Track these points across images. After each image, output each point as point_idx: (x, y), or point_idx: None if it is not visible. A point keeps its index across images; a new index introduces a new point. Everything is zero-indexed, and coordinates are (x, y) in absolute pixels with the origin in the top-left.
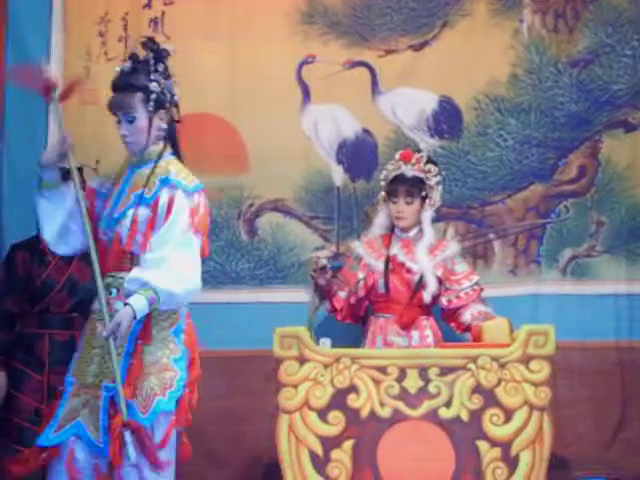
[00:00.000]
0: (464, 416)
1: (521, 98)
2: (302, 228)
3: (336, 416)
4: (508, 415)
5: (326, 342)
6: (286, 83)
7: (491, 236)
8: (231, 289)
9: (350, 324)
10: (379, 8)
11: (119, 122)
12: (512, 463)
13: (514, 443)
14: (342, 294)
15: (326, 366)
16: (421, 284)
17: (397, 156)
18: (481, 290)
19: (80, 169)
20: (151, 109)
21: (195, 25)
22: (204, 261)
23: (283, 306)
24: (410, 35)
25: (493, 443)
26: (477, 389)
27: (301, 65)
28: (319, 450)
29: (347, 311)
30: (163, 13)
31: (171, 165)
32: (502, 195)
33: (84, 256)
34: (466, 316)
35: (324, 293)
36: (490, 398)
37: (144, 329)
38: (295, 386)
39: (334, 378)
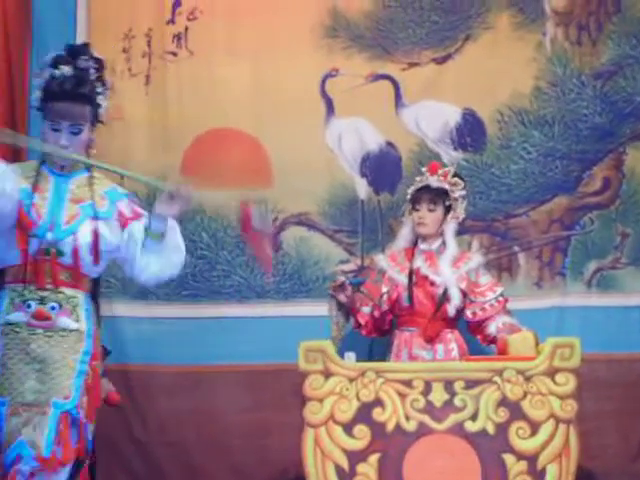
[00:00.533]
0: (490, 429)
1: (544, 110)
2: (326, 242)
3: (361, 430)
4: (534, 428)
5: (351, 356)
6: (310, 97)
7: (516, 249)
8: (256, 303)
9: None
10: (402, 21)
11: (55, 130)
12: (539, 476)
13: (540, 456)
14: (366, 309)
15: (351, 380)
16: (445, 297)
17: (424, 169)
18: (506, 301)
19: None
20: (93, 123)
21: (218, 40)
22: (228, 275)
23: (308, 320)
24: (433, 48)
25: (519, 456)
26: (503, 402)
27: (324, 79)
28: (345, 464)
29: (372, 326)
30: (187, 28)
31: (102, 178)
32: (526, 208)
33: None
34: (492, 328)
35: (347, 310)
36: (516, 411)
37: (96, 348)
38: (320, 400)
39: (359, 392)
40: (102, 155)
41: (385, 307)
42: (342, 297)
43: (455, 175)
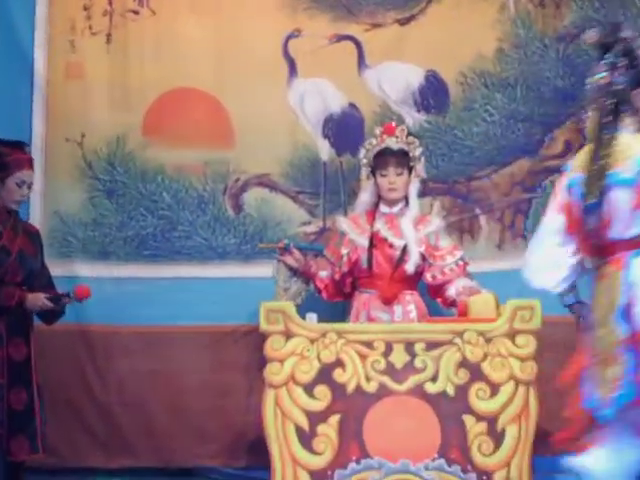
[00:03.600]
0: (450, 391)
1: (507, 73)
2: (288, 203)
3: (322, 391)
4: (494, 389)
5: (312, 317)
6: (272, 57)
7: (477, 211)
8: (217, 264)
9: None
10: None
11: None
12: (498, 437)
13: (500, 417)
14: (323, 273)
15: (312, 341)
16: (403, 257)
17: (379, 131)
18: (466, 265)
19: None
20: None
21: None
22: (189, 236)
23: (269, 281)
24: (397, 9)
25: (479, 417)
26: (463, 364)
27: (287, 39)
28: (305, 425)
29: (332, 289)
30: None
31: None
32: (488, 170)
33: (27, 229)
34: (451, 291)
35: (297, 273)
36: (476, 373)
37: None
38: (281, 361)
39: (320, 353)
40: (61, 113)
41: (345, 269)
42: (290, 260)
43: (409, 134)
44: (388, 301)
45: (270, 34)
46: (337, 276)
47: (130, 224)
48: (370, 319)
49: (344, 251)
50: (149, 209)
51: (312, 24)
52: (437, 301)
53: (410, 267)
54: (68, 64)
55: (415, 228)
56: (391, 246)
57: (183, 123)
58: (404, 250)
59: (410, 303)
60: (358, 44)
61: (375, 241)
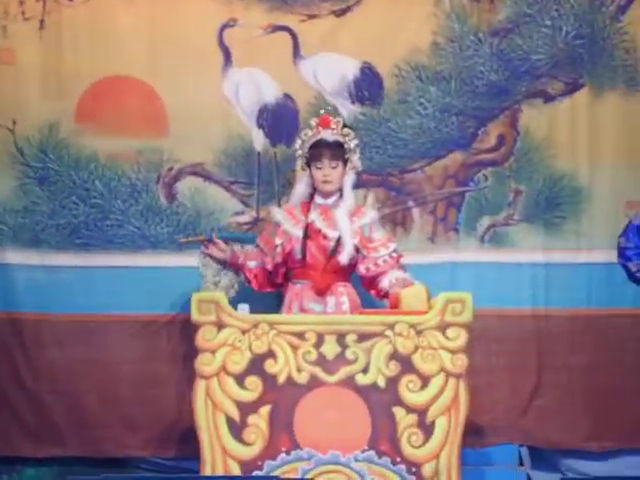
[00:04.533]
0: (381, 382)
1: (442, 66)
2: (222, 193)
3: (253, 381)
4: (424, 382)
5: (244, 308)
6: (207, 47)
7: (410, 203)
8: (150, 253)
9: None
10: None
11: None
12: (428, 429)
13: (430, 409)
14: (252, 263)
15: (244, 332)
16: (337, 249)
17: (314, 122)
18: (399, 257)
19: None
20: None
21: None
22: (122, 225)
23: None
24: (332, 0)
25: (409, 409)
26: (394, 356)
27: (222, 28)
28: (236, 415)
29: (262, 279)
30: None
31: None
32: (422, 163)
33: None
34: (384, 283)
35: (226, 265)
36: (407, 365)
37: None
38: (213, 351)
39: (252, 344)
40: None
41: (278, 259)
42: (215, 252)
43: (344, 125)
44: (321, 292)
45: (205, 23)
46: (269, 266)
47: (62, 212)
48: (303, 310)
49: (278, 241)
50: (81, 197)
51: (247, 14)
52: (371, 293)
53: (344, 258)
54: (0, 50)
55: (350, 220)
56: (325, 237)
57: (117, 111)
58: (338, 241)
59: (343, 294)
60: (293, 34)
61: (309, 232)
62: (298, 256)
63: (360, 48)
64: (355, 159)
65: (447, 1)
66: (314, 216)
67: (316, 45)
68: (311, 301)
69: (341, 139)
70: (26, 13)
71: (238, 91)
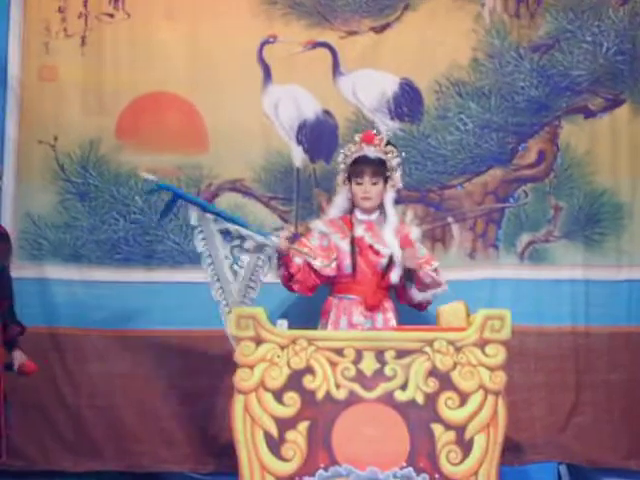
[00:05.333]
0: (419, 399)
1: (482, 82)
2: (261, 208)
3: (291, 397)
4: (463, 399)
5: (283, 324)
6: (247, 63)
7: (450, 220)
8: (189, 269)
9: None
10: None
11: None
12: (466, 446)
13: (468, 426)
14: (298, 260)
15: (282, 347)
16: (389, 266)
17: (358, 138)
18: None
19: None
20: None
21: (156, 3)
22: (161, 240)
23: None
24: (372, 17)
25: (448, 426)
26: (433, 372)
27: (262, 45)
28: (274, 431)
29: (303, 277)
30: None
31: None
32: (461, 179)
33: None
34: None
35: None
36: (445, 381)
37: None
38: (251, 367)
39: (290, 359)
40: (35, 115)
41: (331, 272)
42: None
43: (388, 142)
44: (372, 308)
45: (245, 40)
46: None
47: (102, 227)
48: (352, 325)
49: (332, 255)
50: (121, 213)
51: (287, 30)
52: (402, 302)
53: (395, 277)
54: (42, 66)
55: (396, 237)
56: (377, 253)
57: (157, 127)
58: (390, 259)
59: (389, 311)
60: (333, 51)
61: (359, 247)
62: (348, 270)
63: (399, 64)
64: (396, 177)
65: (487, 17)
66: (361, 231)
67: (355, 61)
68: (360, 316)
69: (383, 156)
70: (68, 30)
71: (278, 107)
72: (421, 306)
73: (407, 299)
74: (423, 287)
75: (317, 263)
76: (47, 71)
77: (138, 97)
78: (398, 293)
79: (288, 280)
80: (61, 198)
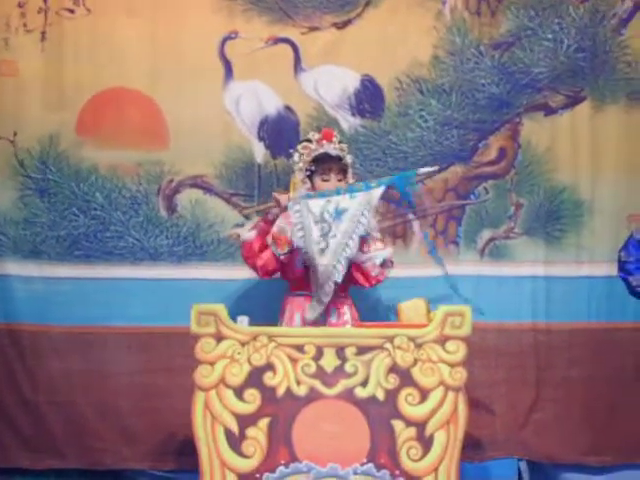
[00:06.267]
0: (380, 395)
1: (442, 79)
2: (222, 205)
3: (252, 394)
4: (423, 395)
5: (243, 320)
6: (208, 59)
7: (410, 216)
8: (149, 265)
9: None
10: None
11: None
12: (427, 443)
13: (429, 423)
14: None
15: (243, 344)
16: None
17: (316, 135)
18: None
19: None
20: None
21: None
22: (122, 236)
23: (201, 283)
24: (334, 13)
25: (408, 423)
26: (393, 369)
27: (224, 41)
28: (234, 427)
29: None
30: None
31: None
32: (422, 176)
33: None
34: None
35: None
36: (406, 378)
37: None
38: (212, 363)
39: (251, 356)
40: None
41: (283, 259)
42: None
43: (340, 140)
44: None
45: (206, 36)
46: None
47: (62, 224)
48: (305, 321)
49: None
50: (82, 209)
51: (249, 26)
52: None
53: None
54: (2, 61)
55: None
56: None
57: (117, 123)
58: None
59: (344, 306)
60: (294, 47)
61: None
62: (299, 266)
63: (361, 61)
64: (350, 174)
65: (448, 14)
66: None
67: (317, 57)
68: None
69: (341, 153)
70: (28, 25)
71: (239, 103)
72: (369, 278)
73: (357, 276)
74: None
75: (295, 240)
76: (6, 66)
77: (98, 93)
78: (352, 279)
79: (259, 250)
80: (20, 194)
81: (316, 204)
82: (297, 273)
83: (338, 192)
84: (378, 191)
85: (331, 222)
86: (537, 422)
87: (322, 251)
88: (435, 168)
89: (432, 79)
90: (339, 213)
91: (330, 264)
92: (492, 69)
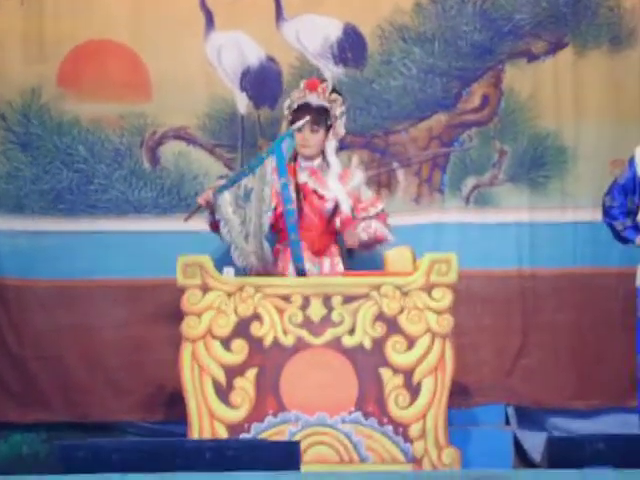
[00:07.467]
0: (367, 344)
1: (425, 27)
2: (206, 156)
3: (239, 344)
4: (410, 342)
5: (230, 271)
6: (189, 9)
7: (395, 165)
8: (134, 218)
9: None
10: None
11: None
12: (414, 390)
13: (416, 370)
14: None
15: (229, 295)
16: (334, 211)
17: (302, 85)
18: (386, 216)
19: None
20: None
21: None
22: (106, 189)
23: (186, 235)
24: None
25: (395, 370)
26: (380, 317)
27: None
28: (222, 378)
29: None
30: None
31: None
32: (406, 124)
33: None
34: (358, 229)
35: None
36: (393, 326)
37: None
38: (198, 315)
39: (237, 307)
40: None
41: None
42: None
43: (333, 90)
44: (318, 253)
45: None
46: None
47: (45, 177)
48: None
49: (272, 203)
50: (65, 162)
51: None
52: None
53: (342, 221)
54: None
55: (342, 182)
56: (321, 198)
57: (99, 75)
58: (335, 204)
59: (336, 255)
60: None
61: (303, 192)
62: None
63: (343, 9)
64: (338, 125)
65: None
66: (304, 177)
67: (299, 7)
68: (307, 262)
69: (327, 104)
70: None
71: (221, 54)
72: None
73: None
74: (367, 249)
75: (222, 236)
76: None
77: (79, 45)
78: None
79: (215, 228)
80: (3, 148)
81: (231, 193)
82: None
83: (244, 174)
84: (269, 161)
85: (244, 206)
86: (524, 367)
87: (246, 239)
88: (307, 119)
89: (414, 27)
90: (247, 195)
91: (257, 249)
92: (474, 16)
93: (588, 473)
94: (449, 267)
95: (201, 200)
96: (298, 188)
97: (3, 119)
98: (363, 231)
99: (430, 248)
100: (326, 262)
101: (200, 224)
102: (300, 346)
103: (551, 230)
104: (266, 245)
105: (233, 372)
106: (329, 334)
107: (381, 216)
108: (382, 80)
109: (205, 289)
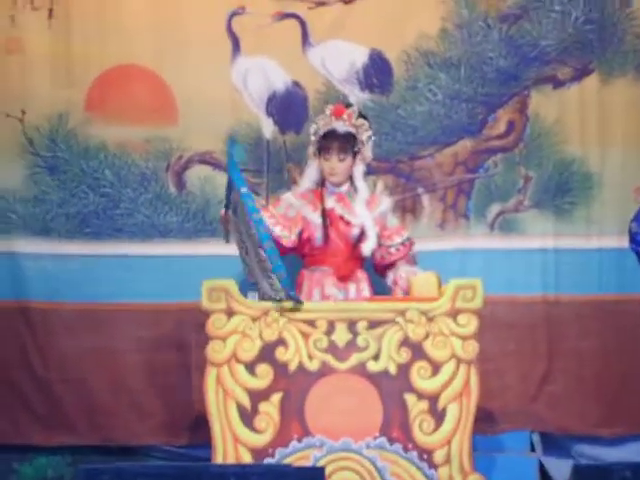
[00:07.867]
0: (392, 369)
1: (451, 53)
2: None
3: (264, 369)
4: (435, 368)
5: (254, 295)
6: (216, 35)
7: (420, 190)
8: (159, 242)
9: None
10: None
11: None
12: (439, 416)
13: (441, 396)
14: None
15: (254, 319)
16: (361, 237)
17: (328, 111)
18: (411, 245)
19: None
20: None
21: None
22: (132, 214)
23: (211, 259)
24: None
25: (420, 396)
26: (405, 342)
27: (231, 16)
28: (247, 403)
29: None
30: None
31: None
32: (431, 149)
33: None
34: (390, 277)
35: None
36: (418, 351)
37: None
38: (223, 339)
39: (262, 331)
40: (1, 89)
41: (285, 242)
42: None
43: (360, 115)
44: (344, 279)
45: (214, 11)
46: (282, 240)
47: (72, 201)
48: (324, 297)
49: (298, 228)
50: (91, 186)
51: (256, 1)
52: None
53: (367, 249)
54: (8, 39)
55: (369, 208)
56: (347, 224)
57: (126, 100)
58: (362, 231)
59: (362, 281)
60: (302, 22)
61: (330, 218)
62: (318, 243)
63: (369, 35)
64: (365, 150)
65: None
66: (332, 203)
67: (325, 32)
68: (332, 288)
69: (353, 130)
70: (35, 3)
71: (246, 79)
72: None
73: (384, 275)
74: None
75: (276, 230)
76: (13, 44)
77: (106, 70)
78: (376, 267)
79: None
80: (30, 172)
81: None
82: (316, 249)
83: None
84: (238, 193)
85: (246, 241)
86: (549, 394)
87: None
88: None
89: (440, 52)
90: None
91: (264, 284)
92: (500, 42)
93: None
94: (474, 293)
95: (221, 212)
96: (325, 213)
97: (30, 144)
98: (396, 284)
99: (455, 274)
100: (352, 288)
101: (225, 248)
102: (325, 371)
103: (576, 257)
104: (273, 278)
105: (258, 396)
106: (354, 359)
107: (406, 245)
108: (408, 106)
109: (230, 313)
